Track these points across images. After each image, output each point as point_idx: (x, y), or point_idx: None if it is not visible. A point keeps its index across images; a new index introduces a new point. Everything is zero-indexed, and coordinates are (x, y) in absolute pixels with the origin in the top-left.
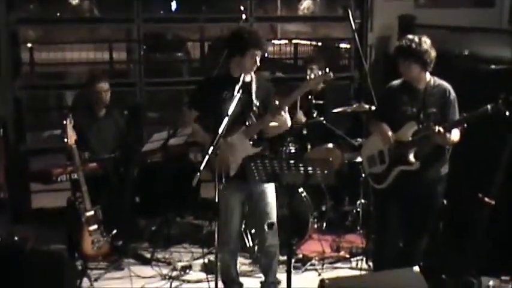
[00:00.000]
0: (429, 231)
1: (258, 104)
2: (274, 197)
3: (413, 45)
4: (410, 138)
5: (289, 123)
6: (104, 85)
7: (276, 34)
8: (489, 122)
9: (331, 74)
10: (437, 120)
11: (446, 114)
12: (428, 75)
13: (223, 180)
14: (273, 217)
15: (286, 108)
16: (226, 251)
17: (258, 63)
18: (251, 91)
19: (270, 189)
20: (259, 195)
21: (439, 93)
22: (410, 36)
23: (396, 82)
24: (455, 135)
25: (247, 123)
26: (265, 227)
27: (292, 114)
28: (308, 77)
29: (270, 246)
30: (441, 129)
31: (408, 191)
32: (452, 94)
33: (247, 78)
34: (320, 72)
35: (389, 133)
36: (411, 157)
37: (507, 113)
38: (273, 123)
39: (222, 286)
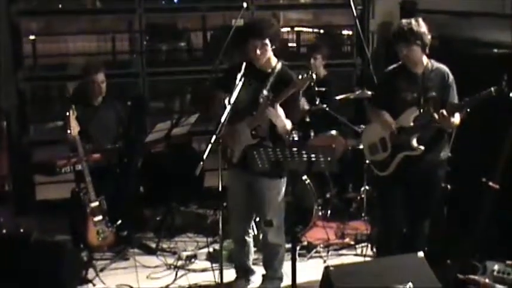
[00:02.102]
0: (431, 214)
1: (270, 95)
2: (278, 196)
3: (414, 28)
4: (412, 124)
5: (284, 120)
6: (99, 76)
7: (279, 22)
8: (492, 105)
9: (313, 76)
10: (437, 104)
11: (446, 97)
12: (425, 58)
13: (226, 166)
14: (273, 215)
15: (278, 105)
16: (233, 237)
17: (259, 52)
18: (266, 82)
19: (274, 186)
20: (262, 191)
21: (437, 77)
22: (406, 20)
23: (393, 67)
24: (456, 118)
25: (253, 113)
26: (263, 224)
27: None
28: (300, 76)
29: (271, 244)
30: (445, 113)
31: (409, 175)
32: (451, 77)
33: (268, 68)
34: (310, 73)
35: (391, 120)
36: (414, 142)
37: (511, 95)
38: (274, 121)
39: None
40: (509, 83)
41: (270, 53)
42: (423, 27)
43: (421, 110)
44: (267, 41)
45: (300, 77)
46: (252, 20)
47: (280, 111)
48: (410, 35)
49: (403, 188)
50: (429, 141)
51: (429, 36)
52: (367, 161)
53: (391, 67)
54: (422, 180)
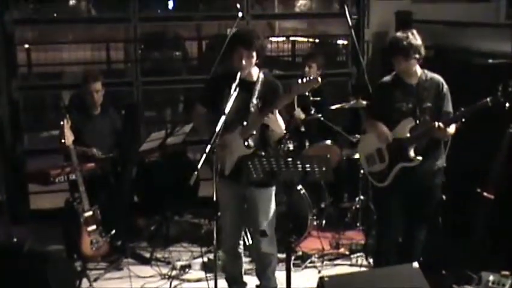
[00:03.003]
0: (427, 224)
1: (259, 104)
2: (270, 205)
3: (413, 42)
4: (408, 135)
5: (282, 126)
6: (97, 85)
7: (274, 31)
8: (488, 116)
9: (319, 79)
10: (433, 114)
11: (441, 107)
12: (419, 69)
13: (218, 178)
14: (266, 225)
15: (277, 111)
16: (224, 249)
17: (245, 62)
18: (253, 91)
19: (265, 196)
20: (254, 201)
21: (432, 87)
22: (403, 33)
23: (387, 78)
24: (452, 128)
25: (244, 123)
26: (258, 234)
27: (291, 113)
28: (299, 81)
29: (264, 253)
30: (441, 125)
31: (407, 185)
32: (445, 86)
33: (253, 78)
34: (312, 77)
35: (387, 132)
36: (411, 153)
37: (507, 104)
38: (273, 127)
39: (226, 285)
40: (505, 92)
41: (253, 64)
42: (419, 40)
43: (418, 121)
44: (254, 53)
45: (304, 80)
46: (241, 29)
47: (279, 117)
48: (410, 49)
49: (401, 198)
50: (425, 151)
51: (423, 47)
52: (365, 172)
53: (385, 78)
54: (419, 189)
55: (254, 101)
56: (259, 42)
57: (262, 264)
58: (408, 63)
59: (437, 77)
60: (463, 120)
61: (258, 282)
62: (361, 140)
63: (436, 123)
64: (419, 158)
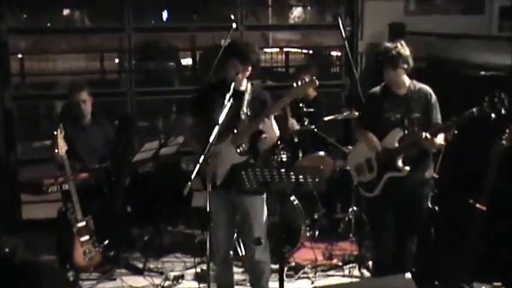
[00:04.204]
0: (417, 233)
1: (248, 113)
2: (262, 212)
3: (402, 52)
4: (396, 145)
5: (276, 131)
6: (82, 95)
7: (268, 42)
8: (479, 127)
9: (316, 80)
10: (421, 124)
11: (430, 117)
12: (408, 79)
13: (209, 188)
14: (260, 233)
15: (272, 116)
16: (216, 259)
17: (240, 76)
18: (243, 100)
19: (257, 203)
20: (246, 209)
21: (421, 98)
22: (392, 44)
23: (377, 89)
24: (440, 138)
25: (235, 131)
26: (251, 243)
27: (284, 123)
28: (294, 84)
29: (258, 262)
30: (428, 136)
31: (396, 195)
32: (434, 97)
33: (242, 87)
34: (305, 79)
35: (376, 141)
36: (400, 163)
37: (492, 115)
38: (268, 133)
39: None
40: (491, 102)
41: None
42: (407, 50)
43: (406, 131)
44: (249, 68)
45: (299, 83)
46: (239, 42)
47: (274, 123)
48: (398, 59)
49: (391, 208)
50: (414, 161)
51: (412, 58)
52: (355, 182)
53: (375, 89)
54: (408, 199)
55: (244, 109)
56: (255, 57)
57: (256, 273)
58: (396, 73)
59: (426, 87)
60: (456, 131)
61: None
62: (351, 150)
63: (424, 134)
64: (407, 168)
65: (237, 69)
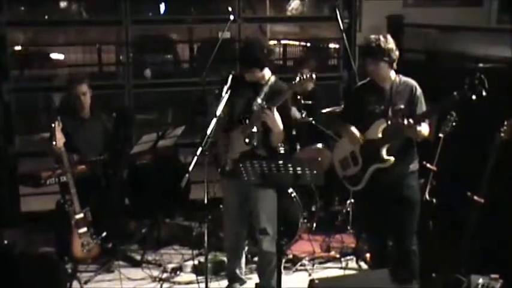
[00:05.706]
0: (415, 233)
1: (263, 105)
2: (271, 203)
3: (382, 44)
4: (380, 135)
5: (280, 125)
6: (82, 87)
7: (265, 35)
8: (479, 119)
9: (314, 76)
10: (405, 116)
11: (414, 109)
12: (393, 74)
13: (221, 176)
14: (266, 224)
15: (274, 109)
16: (226, 246)
17: (248, 78)
18: (260, 92)
19: (266, 194)
20: (254, 199)
21: (405, 91)
22: (375, 36)
23: (362, 82)
24: (424, 128)
25: (246, 122)
26: (258, 232)
27: (288, 114)
28: (293, 82)
29: (266, 252)
30: (411, 121)
31: (381, 187)
32: (419, 90)
33: (263, 79)
34: (305, 76)
35: (357, 134)
36: (384, 154)
37: (473, 97)
38: (271, 125)
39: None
40: (471, 85)
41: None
42: (391, 44)
43: (389, 122)
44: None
45: (298, 79)
46: (252, 44)
47: (277, 115)
48: (378, 51)
49: (379, 200)
50: (398, 154)
51: (397, 52)
52: (340, 177)
53: (360, 82)
54: (393, 191)
55: (259, 100)
56: (267, 59)
57: (264, 263)
58: (376, 66)
59: (411, 81)
60: (453, 124)
61: (257, 280)
62: (336, 145)
63: (405, 121)
64: (392, 158)
65: (245, 70)
